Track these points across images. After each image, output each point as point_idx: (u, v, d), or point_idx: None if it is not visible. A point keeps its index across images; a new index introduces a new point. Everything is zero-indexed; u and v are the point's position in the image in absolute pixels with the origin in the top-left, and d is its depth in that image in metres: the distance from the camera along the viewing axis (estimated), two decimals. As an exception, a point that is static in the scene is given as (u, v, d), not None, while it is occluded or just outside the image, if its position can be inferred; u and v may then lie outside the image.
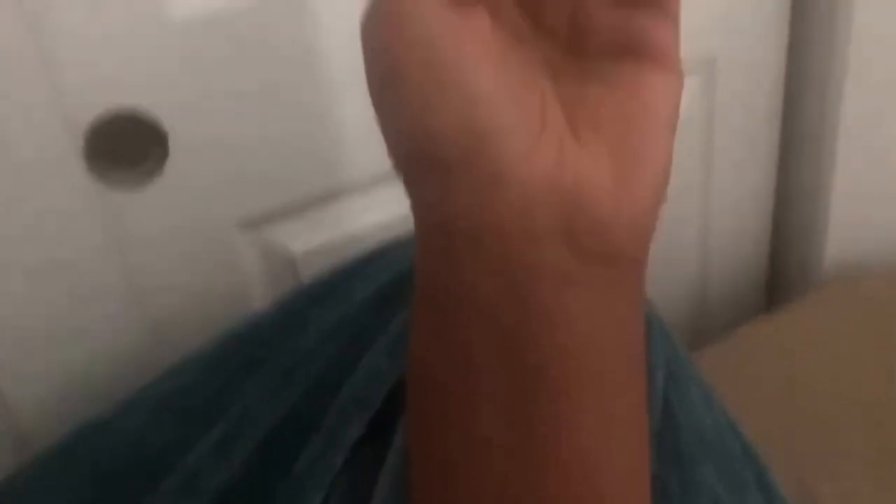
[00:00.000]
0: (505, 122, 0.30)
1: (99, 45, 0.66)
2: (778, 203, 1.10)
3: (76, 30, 0.65)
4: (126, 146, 0.71)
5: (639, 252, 0.33)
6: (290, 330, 0.60)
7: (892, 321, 0.95)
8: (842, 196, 1.04)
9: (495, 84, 0.30)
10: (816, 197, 1.05)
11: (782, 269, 1.14)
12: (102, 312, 0.75)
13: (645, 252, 0.33)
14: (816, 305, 1.00)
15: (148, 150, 0.71)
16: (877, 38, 0.96)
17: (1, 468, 0.65)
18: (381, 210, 0.81)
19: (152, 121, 0.70)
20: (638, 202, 0.32)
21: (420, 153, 0.31)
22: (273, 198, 0.78)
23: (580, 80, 0.33)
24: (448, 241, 0.32)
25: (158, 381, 0.62)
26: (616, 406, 0.34)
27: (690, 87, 0.98)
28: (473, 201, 0.30)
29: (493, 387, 0.32)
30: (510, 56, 0.32)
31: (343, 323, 0.59)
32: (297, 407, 0.56)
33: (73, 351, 0.75)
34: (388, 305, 0.58)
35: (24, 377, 0.74)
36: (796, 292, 1.12)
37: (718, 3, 0.92)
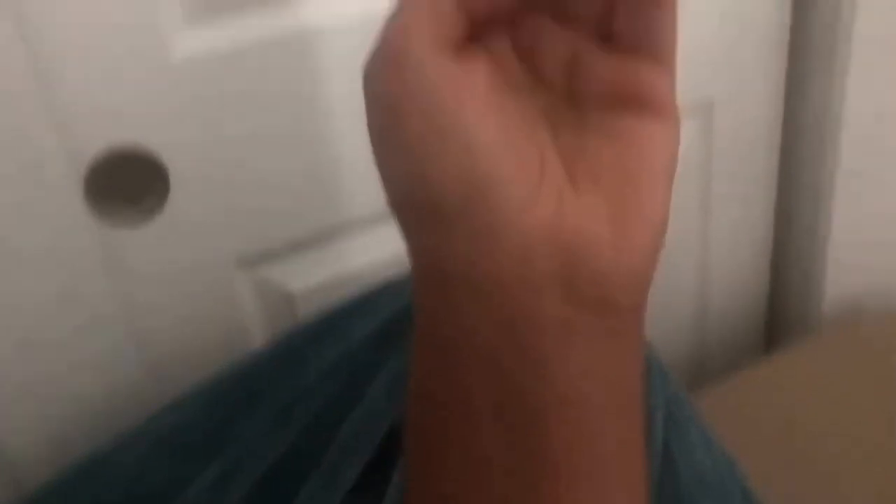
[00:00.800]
0: (504, 172, 0.30)
1: (101, 84, 0.67)
2: (777, 246, 1.11)
3: (78, 68, 0.66)
4: (127, 183, 0.71)
5: (637, 300, 0.33)
6: (290, 367, 0.60)
7: (891, 364, 0.95)
8: (840, 239, 1.04)
9: (495, 134, 0.30)
10: (815, 240, 1.06)
11: (781, 312, 1.14)
12: (100, 348, 0.75)
13: (644, 300, 0.33)
14: (815, 348, 1.00)
15: (149, 187, 0.71)
16: (873, 85, 0.97)
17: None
18: (379, 248, 0.81)
19: (153, 158, 0.70)
20: (636, 252, 0.32)
21: (418, 201, 0.31)
22: (272, 236, 0.79)
23: (578, 130, 0.33)
24: (446, 287, 0.32)
25: (158, 416, 0.62)
26: (614, 450, 0.34)
27: (688, 131, 0.99)
28: (471, 250, 0.30)
29: (493, 421, 0.32)
30: (509, 106, 0.32)
31: (342, 361, 0.59)
32: (297, 443, 0.56)
33: (70, 385, 0.75)
34: (387, 343, 0.58)
35: (20, 412, 0.74)
36: (795, 335, 1.12)
37: (715, 47, 0.93)
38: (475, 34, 0.32)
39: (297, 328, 0.64)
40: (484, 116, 0.30)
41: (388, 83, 0.31)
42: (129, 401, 0.76)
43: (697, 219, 1.03)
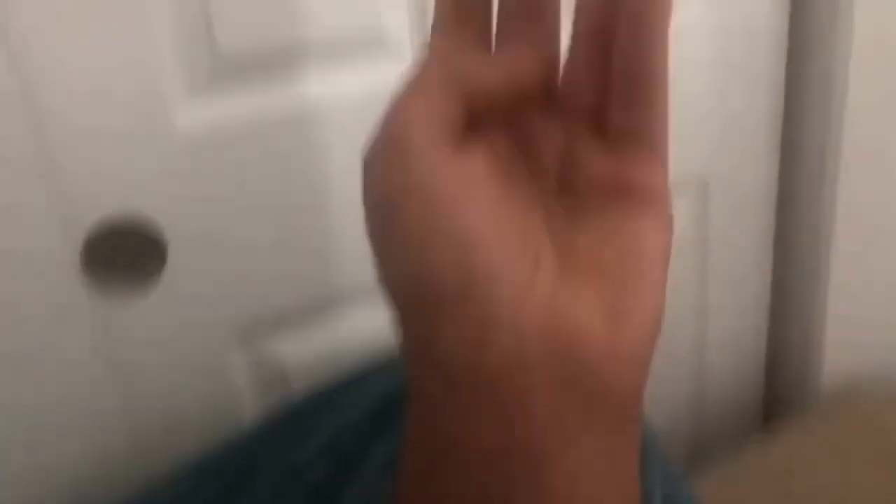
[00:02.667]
0: (499, 263, 0.30)
1: (103, 154, 0.68)
2: (773, 324, 1.11)
3: (81, 138, 0.67)
4: (124, 253, 0.71)
5: (634, 392, 0.32)
6: (286, 442, 0.60)
7: (889, 442, 0.94)
8: (837, 317, 1.04)
9: (491, 225, 0.30)
10: (812, 318, 1.06)
11: (779, 390, 1.14)
12: (92, 417, 0.74)
13: (641, 391, 0.32)
14: (813, 426, 0.99)
15: (146, 257, 0.72)
16: (866, 165, 0.98)
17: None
18: (376, 322, 0.81)
19: (152, 229, 0.71)
20: (631, 343, 0.31)
21: (412, 290, 0.31)
22: (268, 308, 0.79)
23: (573, 220, 0.33)
24: (438, 376, 0.31)
25: (156, 488, 0.61)
26: None
27: (683, 210, 1.00)
28: (464, 340, 0.30)
29: None
30: (506, 196, 0.32)
31: (339, 437, 0.58)
32: None
33: (60, 455, 0.74)
34: (382, 420, 0.57)
35: (9, 480, 0.73)
36: (793, 412, 1.11)
37: (710, 126, 0.95)
38: (472, 123, 0.32)
39: (293, 403, 0.64)
40: (480, 207, 0.31)
41: (386, 171, 0.31)
42: (119, 471, 0.75)
43: (693, 297, 1.03)
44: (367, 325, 0.81)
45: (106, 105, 0.67)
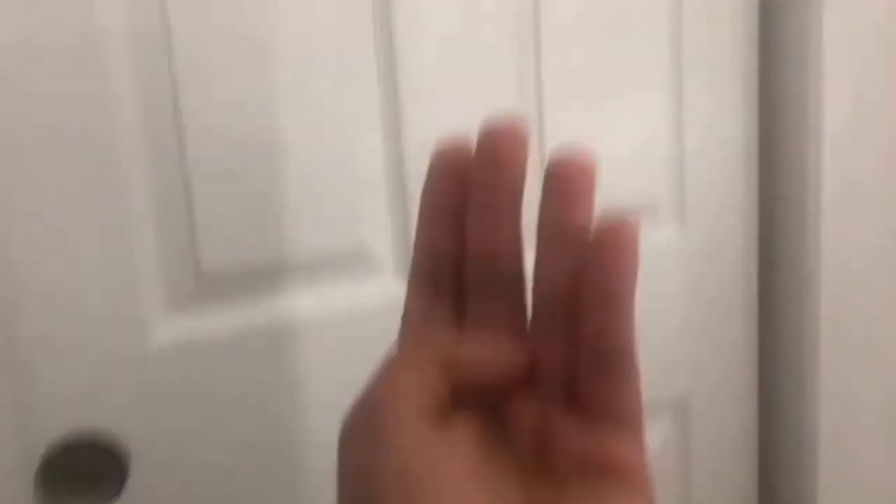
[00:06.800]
0: None
1: (72, 367, 0.67)
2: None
3: (51, 352, 0.66)
4: (85, 468, 0.69)
5: None
6: None
7: None
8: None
9: None
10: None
11: None
12: None
13: None
14: None
15: (107, 474, 0.69)
16: (844, 367, 0.98)
17: None
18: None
19: (115, 444, 0.69)
20: None
21: None
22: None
23: (552, 497, 0.32)
24: None
25: None
26: None
27: (663, 430, 0.98)
28: None
29: None
30: (485, 475, 0.31)
31: None
32: None
33: None
34: None
35: None
36: None
37: (688, 345, 0.95)
38: (452, 399, 0.31)
39: None
40: (460, 490, 0.29)
41: (366, 442, 0.29)
42: None
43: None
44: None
45: (81, 319, 0.66)
